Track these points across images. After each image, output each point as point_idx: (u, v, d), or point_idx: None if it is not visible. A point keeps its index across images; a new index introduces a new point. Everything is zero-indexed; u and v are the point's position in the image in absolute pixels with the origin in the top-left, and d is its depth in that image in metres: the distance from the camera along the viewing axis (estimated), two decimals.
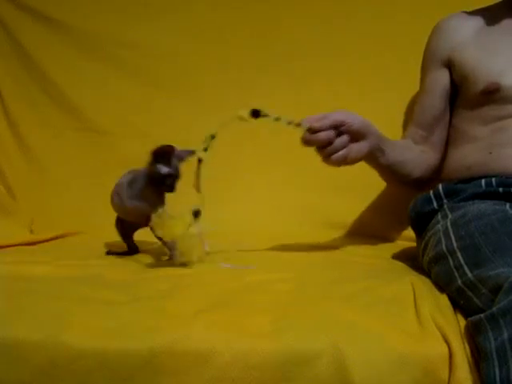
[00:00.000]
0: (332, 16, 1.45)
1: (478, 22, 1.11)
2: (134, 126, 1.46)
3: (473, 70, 1.06)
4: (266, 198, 1.37)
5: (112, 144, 1.45)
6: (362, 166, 1.32)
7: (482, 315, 0.66)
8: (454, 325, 0.70)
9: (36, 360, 0.67)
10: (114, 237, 1.09)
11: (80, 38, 1.51)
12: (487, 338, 0.63)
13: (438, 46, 1.15)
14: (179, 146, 1.00)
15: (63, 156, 1.47)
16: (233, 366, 0.64)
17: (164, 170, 0.98)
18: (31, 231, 1.32)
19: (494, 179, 0.98)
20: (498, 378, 0.60)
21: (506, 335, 0.61)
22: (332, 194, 1.33)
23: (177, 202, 0.98)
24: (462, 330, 0.69)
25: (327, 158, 0.92)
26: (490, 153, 1.01)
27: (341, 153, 0.92)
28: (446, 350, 0.65)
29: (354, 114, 0.95)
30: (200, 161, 0.95)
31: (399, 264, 1.05)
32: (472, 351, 0.66)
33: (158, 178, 0.98)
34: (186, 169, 0.98)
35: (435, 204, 1.01)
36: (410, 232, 1.07)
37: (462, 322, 0.71)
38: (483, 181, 0.99)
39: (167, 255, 1.02)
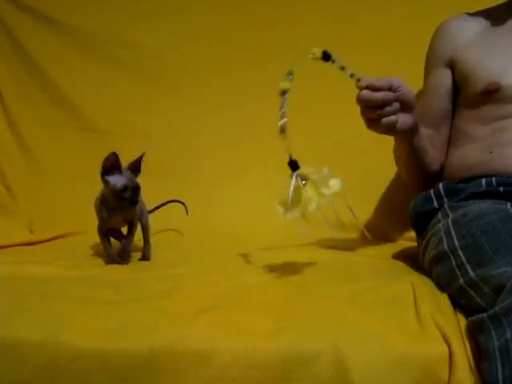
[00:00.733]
0: (333, 16, 1.45)
1: (480, 23, 1.12)
2: (134, 125, 1.46)
3: (473, 70, 1.06)
4: (266, 198, 1.37)
5: (112, 144, 1.43)
6: (363, 168, 1.34)
7: (484, 314, 0.66)
8: (454, 325, 0.70)
9: (36, 360, 0.67)
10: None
11: (80, 38, 1.51)
12: (490, 338, 0.63)
13: (440, 46, 1.15)
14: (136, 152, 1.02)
15: (63, 156, 1.47)
16: (233, 365, 0.65)
17: (119, 183, 0.95)
18: (31, 231, 1.32)
19: (494, 179, 0.98)
20: (500, 377, 0.60)
21: (509, 334, 0.61)
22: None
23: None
24: (463, 330, 0.69)
25: (376, 121, 0.89)
26: (491, 152, 1.01)
27: (393, 117, 0.89)
28: (446, 349, 0.65)
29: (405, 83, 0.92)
30: (284, 93, 0.86)
31: (399, 264, 1.05)
32: (472, 351, 0.66)
33: (117, 193, 0.95)
34: None
35: (435, 203, 1.01)
36: (410, 232, 1.07)
37: (463, 322, 0.71)
38: (484, 180, 0.99)
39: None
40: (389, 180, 1.33)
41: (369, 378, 0.64)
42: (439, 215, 0.98)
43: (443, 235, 0.89)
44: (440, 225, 0.94)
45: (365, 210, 1.31)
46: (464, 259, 0.80)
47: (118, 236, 1.09)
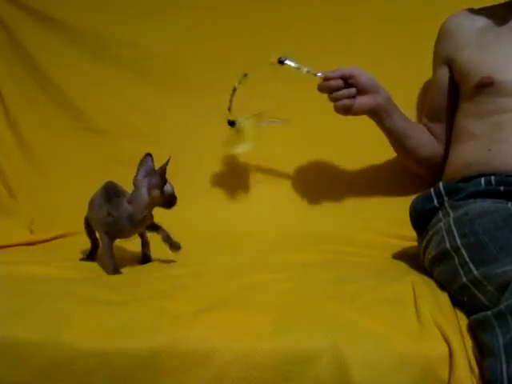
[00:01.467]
0: (333, 15, 1.44)
1: (480, 21, 1.14)
2: (135, 125, 1.46)
3: (470, 65, 1.09)
4: (266, 198, 1.37)
5: (112, 144, 1.44)
6: (361, 166, 1.34)
7: (489, 312, 0.66)
8: (455, 324, 0.70)
9: (36, 360, 0.67)
10: None
11: (81, 37, 1.51)
12: (494, 335, 0.63)
13: (440, 46, 1.20)
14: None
15: (63, 156, 1.46)
16: (233, 365, 0.65)
17: (170, 188, 0.99)
18: (31, 231, 1.32)
19: (493, 178, 0.98)
20: (505, 374, 0.61)
21: None
22: (333, 193, 1.33)
23: None
24: (463, 330, 0.69)
25: (334, 105, 1.09)
26: (489, 150, 1.02)
27: (345, 101, 1.08)
28: (446, 349, 0.66)
29: (365, 70, 1.10)
30: (235, 89, 1.15)
31: (400, 264, 1.05)
32: (472, 350, 0.66)
33: (172, 197, 0.99)
34: None
35: (436, 202, 1.01)
36: (410, 231, 1.07)
37: (463, 322, 0.71)
38: (483, 179, 0.99)
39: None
40: (388, 177, 1.33)
41: (369, 378, 0.64)
42: (440, 214, 0.98)
43: (445, 234, 0.90)
44: (441, 224, 0.94)
45: (364, 208, 1.30)
46: (467, 258, 0.80)
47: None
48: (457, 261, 0.82)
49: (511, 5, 1.12)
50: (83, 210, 1.06)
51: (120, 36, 1.50)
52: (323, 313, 0.72)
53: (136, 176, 0.98)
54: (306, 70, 1.07)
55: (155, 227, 1.03)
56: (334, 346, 0.65)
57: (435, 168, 1.20)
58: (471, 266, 0.78)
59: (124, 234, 1.00)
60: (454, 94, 1.17)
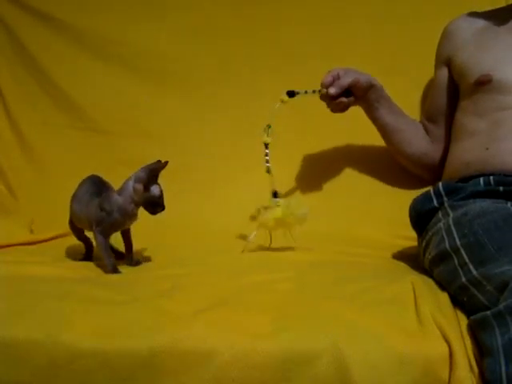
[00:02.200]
0: (335, 16, 1.44)
1: (480, 22, 1.16)
2: (136, 125, 1.46)
3: (468, 64, 1.11)
4: (267, 199, 1.37)
5: (113, 143, 1.44)
6: (362, 166, 1.34)
7: (488, 312, 0.66)
8: (455, 324, 0.70)
9: (36, 360, 0.67)
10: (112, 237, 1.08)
11: (81, 37, 1.51)
12: (493, 335, 0.63)
13: (440, 47, 1.22)
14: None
15: (64, 155, 1.46)
16: (233, 365, 0.65)
17: (157, 191, 0.96)
18: (31, 231, 1.32)
19: (492, 178, 0.98)
20: (504, 375, 0.61)
21: None
22: (333, 193, 1.33)
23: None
24: (463, 329, 0.69)
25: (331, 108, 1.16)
26: (487, 148, 1.02)
27: (343, 106, 1.14)
28: (447, 349, 0.66)
29: (359, 73, 1.14)
30: (267, 144, 1.10)
31: (400, 264, 1.05)
32: (472, 350, 0.66)
33: (155, 200, 0.96)
34: None
35: (435, 202, 1.01)
36: (410, 231, 1.07)
37: (463, 322, 0.71)
38: (481, 179, 0.99)
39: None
40: (389, 177, 1.33)
41: (369, 378, 0.64)
42: (439, 214, 0.98)
43: (444, 234, 0.90)
44: (441, 224, 0.94)
45: (364, 209, 1.30)
46: (466, 258, 0.80)
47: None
48: (456, 261, 0.82)
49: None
50: None
51: (120, 35, 1.50)
52: (323, 313, 0.72)
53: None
54: (311, 91, 1.12)
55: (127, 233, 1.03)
56: (334, 346, 0.65)
57: (428, 167, 1.22)
58: (470, 266, 0.78)
59: (116, 227, 0.99)
60: (453, 94, 1.18)
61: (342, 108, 1.14)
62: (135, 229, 1.04)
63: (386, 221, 1.27)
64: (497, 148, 1.01)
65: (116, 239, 1.04)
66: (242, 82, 1.44)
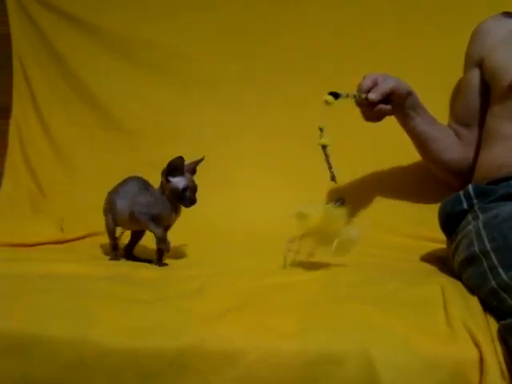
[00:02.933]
0: (359, 18, 1.43)
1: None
2: (162, 126, 1.47)
3: (501, 66, 1.08)
4: (293, 200, 1.36)
5: (140, 144, 1.46)
6: (389, 169, 1.33)
7: None
8: (485, 328, 0.69)
9: (65, 357, 0.68)
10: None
11: (110, 39, 1.53)
12: None
13: (471, 48, 1.19)
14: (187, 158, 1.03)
15: (93, 155, 1.49)
16: (259, 365, 0.65)
17: (180, 184, 0.99)
18: (61, 230, 1.34)
19: None
20: None
21: None
22: (360, 195, 1.33)
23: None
24: (493, 334, 0.68)
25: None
26: None
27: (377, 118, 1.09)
28: (477, 353, 0.64)
29: (398, 80, 1.08)
30: (324, 147, 0.95)
31: (428, 266, 1.04)
32: (504, 356, 0.65)
33: (178, 193, 0.99)
34: None
35: (465, 204, 0.99)
36: (440, 234, 1.05)
37: (493, 326, 0.70)
38: None
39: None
40: (419, 181, 1.31)
41: (396, 381, 0.64)
42: (469, 217, 0.97)
43: (474, 237, 0.88)
44: (470, 226, 0.93)
45: (394, 210, 1.29)
46: (496, 261, 0.79)
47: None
48: (485, 264, 0.81)
49: None
50: None
51: (148, 37, 1.51)
52: (350, 314, 0.72)
53: None
54: (352, 95, 1.03)
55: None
56: (361, 348, 0.65)
57: (461, 173, 1.18)
58: (500, 269, 0.76)
59: (166, 219, 1.03)
60: (485, 96, 1.15)
61: (379, 116, 1.08)
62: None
63: (413, 223, 1.26)
64: None
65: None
66: (266, 84, 1.44)
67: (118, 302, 0.76)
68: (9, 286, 0.83)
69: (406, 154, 1.28)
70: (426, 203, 1.27)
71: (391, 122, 1.16)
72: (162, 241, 1.01)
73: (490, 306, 0.76)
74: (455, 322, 0.69)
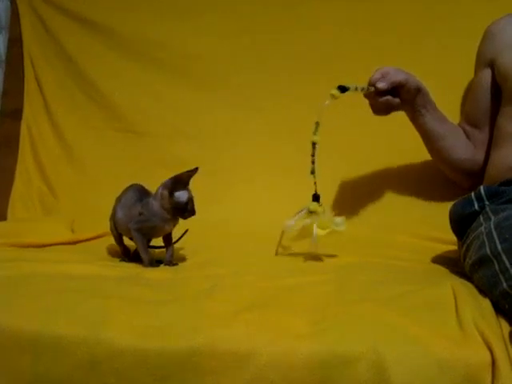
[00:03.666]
0: (373, 17, 1.43)
1: None
2: (174, 127, 1.47)
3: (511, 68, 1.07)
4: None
5: (152, 145, 1.46)
6: (400, 169, 1.33)
7: None
8: (497, 331, 0.69)
9: (77, 356, 0.69)
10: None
11: (120, 40, 1.54)
12: None
13: (483, 48, 1.18)
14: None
15: (104, 156, 1.49)
16: (272, 366, 0.65)
17: (183, 197, 0.99)
18: (72, 230, 1.34)
19: None
20: None
21: None
22: (372, 196, 1.32)
23: None
24: (506, 337, 0.68)
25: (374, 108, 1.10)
26: None
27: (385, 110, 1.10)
28: (489, 356, 0.64)
29: (409, 75, 1.09)
30: (314, 144, 1.03)
31: (440, 268, 1.04)
32: None
33: (181, 206, 0.99)
34: None
35: (476, 206, 0.99)
36: (450, 235, 1.05)
37: (506, 329, 0.70)
38: None
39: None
40: (429, 181, 1.31)
41: (408, 382, 0.64)
42: (481, 218, 0.96)
43: (485, 239, 0.88)
44: (482, 228, 0.92)
45: (404, 212, 1.29)
46: (507, 263, 0.78)
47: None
48: (497, 266, 0.80)
49: None
50: None
51: (158, 38, 1.52)
52: (363, 315, 0.72)
53: None
54: (360, 88, 1.05)
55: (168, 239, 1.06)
56: (373, 349, 0.64)
57: (471, 174, 1.18)
58: None
59: (155, 232, 1.03)
60: (496, 97, 1.14)
61: (386, 109, 1.09)
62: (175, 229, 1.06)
63: (424, 224, 1.25)
64: None
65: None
66: (280, 84, 1.44)
67: (129, 303, 0.76)
68: (21, 286, 0.84)
69: (417, 154, 1.28)
70: (437, 204, 1.27)
71: (403, 121, 1.16)
72: (148, 266, 1.02)
73: (502, 308, 0.76)
74: (467, 324, 0.69)
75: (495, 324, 0.71)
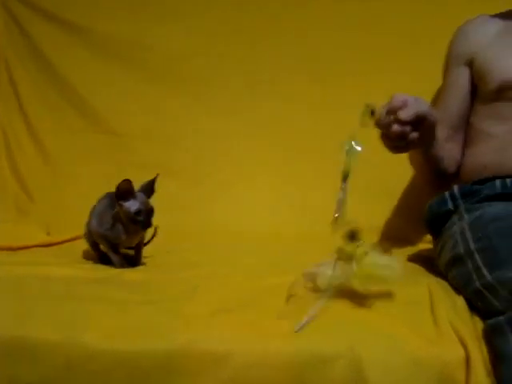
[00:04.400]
0: (353, 16, 1.43)
1: (499, 24, 1.11)
2: (151, 128, 1.46)
3: (490, 68, 1.06)
4: (286, 201, 1.36)
5: (129, 147, 1.45)
6: (378, 169, 1.33)
7: (501, 318, 0.66)
8: (471, 328, 0.70)
9: (53, 360, 0.68)
10: None
11: (97, 40, 1.52)
12: (507, 341, 0.63)
13: (458, 47, 1.15)
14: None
15: (80, 158, 1.48)
16: (249, 367, 0.65)
17: (132, 207, 0.97)
18: (48, 233, 1.33)
19: (508, 180, 0.97)
20: None
21: None
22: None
23: None
24: (479, 333, 0.69)
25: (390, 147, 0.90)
26: (505, 151, 1.00)
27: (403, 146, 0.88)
28: (463, 353, 0.65)
29: (428, 106, 0.89)
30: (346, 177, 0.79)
31: (416, 266, 1.05)
32: (489, 355, 0.65)
33: (130, 217, 0.97)
34: None
35: (450, 205, 1.00)
36: (427, 234, 1.06)
37: (479, 325, 0.71)
38: (498, 182, 0.98)
39: None
40: (405, 181, 1.32)
41: (384, 381, 0.64)
42: (455, 217, 0.97)
43: (459, 238, 0.89)
44: (455, 227, 0.93)
45: (380, 212, 1.30)
46: (480, 262, 0.79)
47: None
48: (470, 265, 0.81)
49: None
50: None
51: (136, 38, 1.51)
52: (340, 315, 0.72)
53: None
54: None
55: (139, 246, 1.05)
56: (350, 349, 0.65)
57: (445, 172, 1.13)
58: (484, 270, 0.77)
59: (122, 242, 1.02)
60: (471, 96, 1.13)
61: (404, 146, 0.88)
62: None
63: (399, 222, 1.26)
64: None
65: None
66: (263, 88, 1.44)
67: (106, 305, 0.76)
68: None
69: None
70: (411, 202, 1.27)
71: None
72: (119, 267, 1.01)
73: (476, 305, 0.77)
74: (442, 321, 0.70)
75: (469, 321, 0.72)
